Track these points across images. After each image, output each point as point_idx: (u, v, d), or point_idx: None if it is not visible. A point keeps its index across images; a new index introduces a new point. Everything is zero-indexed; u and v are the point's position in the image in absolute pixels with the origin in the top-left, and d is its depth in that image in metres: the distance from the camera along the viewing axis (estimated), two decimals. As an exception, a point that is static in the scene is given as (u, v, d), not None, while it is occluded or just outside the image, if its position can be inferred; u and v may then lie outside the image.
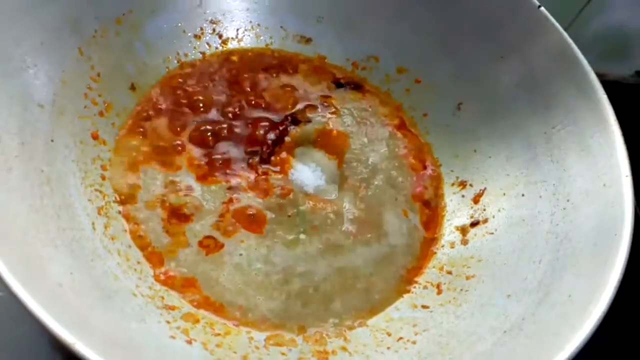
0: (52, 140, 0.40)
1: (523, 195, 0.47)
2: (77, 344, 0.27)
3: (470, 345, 0.39)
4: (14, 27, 0.39)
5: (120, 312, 0.36)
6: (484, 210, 0.49)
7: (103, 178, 0.44)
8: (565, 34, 0.47)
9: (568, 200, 0.44)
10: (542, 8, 0.48)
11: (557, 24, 0.48)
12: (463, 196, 0.51)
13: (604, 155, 0.43)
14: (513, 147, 0.50)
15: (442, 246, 0.49)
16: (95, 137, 0.44)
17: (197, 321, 0.40)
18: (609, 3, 0.95)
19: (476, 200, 0.50)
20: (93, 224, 0.40)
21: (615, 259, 0.37)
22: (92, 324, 0.32)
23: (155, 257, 0.42)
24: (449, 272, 0.46)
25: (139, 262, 0.41)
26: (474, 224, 0.49)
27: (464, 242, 0.48)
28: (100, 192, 0.43)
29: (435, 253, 0.48)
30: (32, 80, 0.40)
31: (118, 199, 0.44)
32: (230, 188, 0.47)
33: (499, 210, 0.48)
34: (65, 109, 0.42)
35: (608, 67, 0.84)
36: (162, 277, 0.41)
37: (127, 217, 0.43)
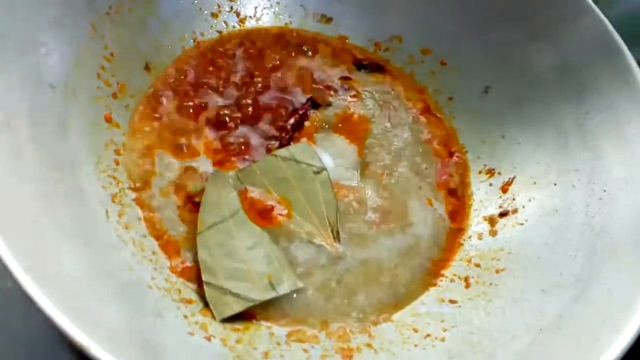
0: (64, 123, 0.38)
1: (555, 184, 0.45)
2: (93, 347, 0.25)
3: (503, 343, 0.37)
4: (25, 2, 0.36)
5: (135, 305, 0.34)
6: (514, 199, 0.47)
7: (117, 163, 0.42)
8: (602, 16, 0.45)
9: (604, 190, 0.42)
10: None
11: (593, 5, 0.45)
12: (491, 185, 0.49)
13: (644, 143, 0.41)
14: (543, 133, 0.47)
15: (469, 237, 0.46)
16: (108, 119, 0.42)
17: (216, 315, 0.38)
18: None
19: (505, 189, 0.48)
20: (107, 211, 0.38)
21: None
22: (107, 321, 0.30)
23: (171, 247, 0.40)
24: (477, 265, 0.44)
25: (154, 253, 0.39)
26: (503, 214, 0.46)
27: (493, 233, 0.46)
28: (114, 178, 0.41)
29: (462, 244, 0.46)
30: (44, 59, 0.38)
31: (132, 185, 0.42)
32: (248, 175, 0.44)
33: (530, 200, 0.46)
34: (78, 90, 0.40)
35: (633, 51, 0.81)
36: (179, 268, 0.39)
37: (142, 205, 0.41)
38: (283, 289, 0.40)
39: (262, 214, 0.42)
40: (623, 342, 0.32)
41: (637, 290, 0.34)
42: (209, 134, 0.46)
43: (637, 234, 0.38)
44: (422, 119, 0.52)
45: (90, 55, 0.42)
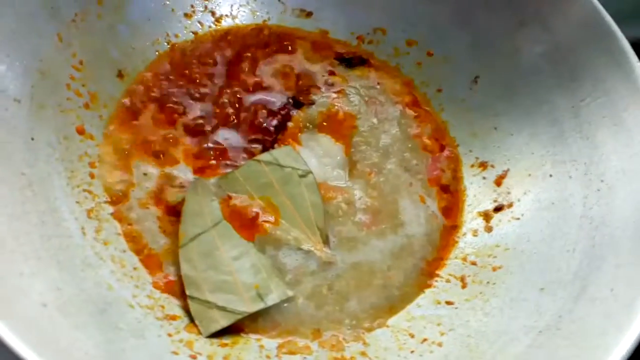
0: (32, 139, 0.37)
1: (551, 175, 0.43)
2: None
3: (502, 347, 0.35)
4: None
5: (115, 329, 0.32)
6: (508, 193, 0.45)
7: (92, 176, 0.40)
8: (593, -2, 0.43)
9: (602, 181, 0.40)
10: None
11: (583, -14, 0.43)
12: (484, 178, 0.47)
13: (641, 129, 0.39)
14: (537, 123, 0.45)
15: (464, 234, 0.45)
16: (81, 131, 0.40)
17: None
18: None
19: (499, 182, 0.46)
20: (82, 228, 0.37)
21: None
22: (82, 349, 0.28)
23: (152, 262, 0.39)
24: (474, 263, 0.43)
25: (135, 268, 0.38)
26: (498, 209, 0.45)
27: (488, 229, 0.44)
28: (90, 192, 0.39)
29: (456, 242, 0.44)
30: (6, 72, 0.36)
31: (109, 199, 0.40)
32: (231, 181, 0.43)
33: (525, 193, 0.44)
34: (46, 102, 0.38)
35: (628, 29, 0.80)
36: (162, 283, 0.38)
37: (120, 218, 0.40)
38: (272, 299, 0.38)
39: (246, 222, 0.41)
40: (628, 342, 0.30)
41: (640, 286, 0.33)
42: (188, 140, 0.44)
43: (637, 226, 0.36)
44: (410, 113, 0.50)
45: (58, 66, 0.40)
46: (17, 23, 0.37)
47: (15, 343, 0.24)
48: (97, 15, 0.43)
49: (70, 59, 0.41)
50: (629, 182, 0.38)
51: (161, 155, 0.43)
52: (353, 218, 0.43)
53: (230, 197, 0.41)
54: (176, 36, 0.49)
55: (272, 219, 0.41)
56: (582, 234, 0.39)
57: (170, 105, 0.45)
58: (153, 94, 0.45)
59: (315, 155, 0.46)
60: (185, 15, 0.49)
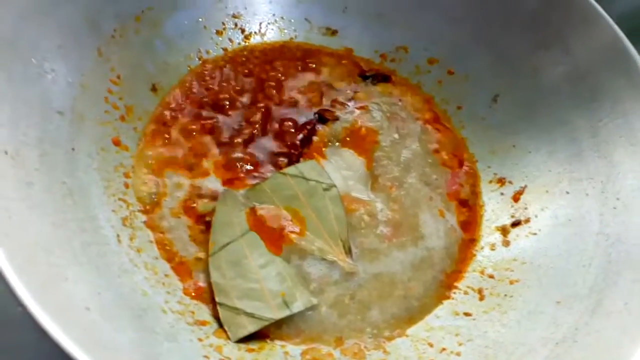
0: (73, 149, 0.38)
1: (568, 193, 0.45)
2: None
3: (520, 357, 0.36)
4: (30, 31, 0.37)
5: (152, 332, 0.34)
6: (526, 209, 0.46)
7: (126, 186, 0.42)
8: (612, 22, 0.44)
9: (618, 199, 0.41)
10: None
11: (603, 12, 0.45)
12: (502, 194, 0.48)
13: (657, 149, 0.40)
14: (555, 142, 0.47)
15: (482, 248, 0.46)
16: (117, 143, 0.42)
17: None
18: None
19: (516, 198, 0.47)
20: (118, 236, 0.38)
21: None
22: (123, 350, 0.30)
23: (183, 269, 0.40)
24: (491, 276, 0.44)
25: (166, 275, 0.39)
26: (515, 224, 0.46)
27: (506, 243, 0.45)
28: (124, 201, 0.41)
29: (474, 255, 0.46)
30: (51, 86, 0.38)
31: (142, 208, 0.42)
32: (258, 192, 0.44)
33: (542, 210, 0.45)
34: (86, 115, 0.40)
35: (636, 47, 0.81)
36: (192, 290, 0.39)
37: (152, 227, 0.41)
38: (297, 306, 0.39)
39: (274, 233, 0.42)
40: (642, 356, 0.32)
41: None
42: (217, 152, 0.46)
43: (652, 244, 0.37)
44: (431, 129, 0.52)
45: (97, 79, 0.42)
46: (62, 38, 0.39)
47: (67, 344, 0.26)
48: (135, 31, 0.45)
49: (108, 73, 0.43)
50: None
51: (192, 167, 0.44)
52: (375, 230, 0.45)
53: (256, 208, 0.43)
54: (207, 52, 0.51)
55: (297, 229, 0.42)
56: (599, 250, 0.40)
57: (201, 119, 0.47)
58: (184, 108, 0.47)
59: (339, 169, 0.47)
60: (217, 32, 0.51)
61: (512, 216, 0.47)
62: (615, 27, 0.44)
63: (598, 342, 0.35)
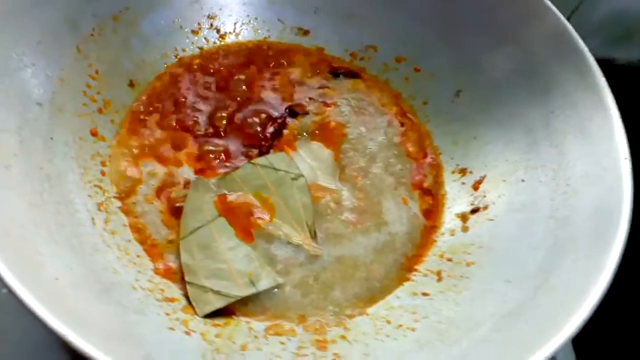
0: (51, 138, 0.41)
1: (523, 180, 0.47)
2: (71, 335, 0.27)
3: (468, 330, 0.39)
4: (11, 27, 0.39)
5: (119, 305, 0.36)
6: (484, 196, 0.49)
7: (103, 174, 0.44)
8: (562, 18, 0.47)
9: (568, 185, 0.44)
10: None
11: (553, 8, 0.47)
12: (463, 183, 0.51)
13: (603, 138, 0.42)
14: (512, 133, 0.49)
15: (443, 234, 0.48)
16: (94, 133, 0.45)
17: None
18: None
19: (476, 187, 0.50)
20: (93, 219, 0.41)
21: (614, 242, 0.37)
22: (89, 316, 0.32)
23: (154, 251, 0.43)
24: (449, 260, 0.46)
25: (138, 256, 0.42)
26: (474, 211, 0.48)
27: (464, 229, 0.48)
28: (100, 187, 0.43)
29: (435, 241, 0.48)
30: (31, 79, 0.41)
31: (117, 194, 0.44)
32: (228, 181, 0.47)
33: (499, 197, 0.48)
34: (64, 106, 0.43)
35: (616, 51, 0.83)
36: (162, 269, 0.42)
37: (127, 212, 0.44)
38: (263, 285, 0.42)
39: (243, 218, 0.45)
40: (574, 324, 0.34)
41: (592, 277, 0.36)
42: (191, 143, 0.48)
43: (595, 226, 0.40)
44: (397, 122, 0.54)
45: (76, 74, 0.45)
46: (42, 35, 0.42)
47: (35, 306, 0.28)
48: (112, 30, 0.48)
49: (87, 69, 0.46)
50: (590, 185, 0.42)
51: (166, 158, 0.47)
52: (340, 216, 0.47)
53: (226, 195, 0.45)
54: (183, 50, 0.53)
55: (266, 216, 0.45)
56: (548, 232, 0.42)
57: (176, 112, 0.50)
58: (160, 102, 0.50)
59: (308, 160, 0.50)
60: (193, 31, 0.54)
61: (472, 204, 0.49)
62: (563, 19, 0.46)
63: (540, 315, 0.37)
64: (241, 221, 0.45)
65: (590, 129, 0.44)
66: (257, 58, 0.55)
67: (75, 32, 0.45)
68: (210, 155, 0.48)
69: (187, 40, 0.54)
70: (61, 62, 0.44)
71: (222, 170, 0.48)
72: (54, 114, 0.42)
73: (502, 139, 0.50)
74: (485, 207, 0.48)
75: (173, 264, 0.42)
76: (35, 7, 0.41)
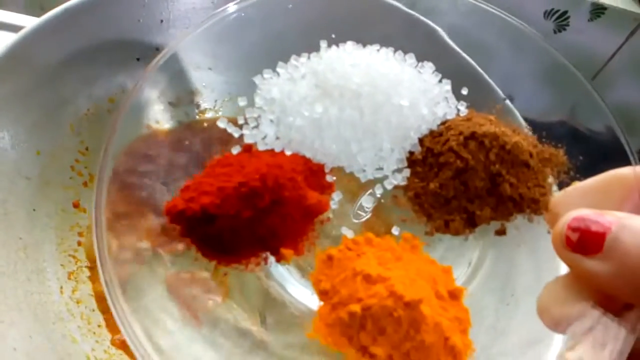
0: (34, 210, 0.45)
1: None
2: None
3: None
4: (10, 109, 0.44)
5: (70, 376, 0.39)
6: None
7: (79, 244, 0.48)
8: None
9: (512, 295, 0.46)
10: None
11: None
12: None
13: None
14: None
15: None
16: (76, 205, 0.49)
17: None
18: (611, 82, 0.98)
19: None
20: (61, 287, 0.44)
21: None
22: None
23: (115, 322, 0.46)
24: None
25: (99, 326, 0.45)
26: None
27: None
28: (74, 257, 0.47)
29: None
30: (23, 155, 0.45)
31: (89, 264, 0.48)
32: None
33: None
34: (51, 180, 0.47)
35: (630, 138, 0.87)
36: (119, 341, 0.45)
37: (94, 281, 0.47)
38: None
39: (191, 297, 0.47)
40: None
41: None
42: (153, 218, 0.51)
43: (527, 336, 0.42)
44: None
45: (67, 151, 0.48)
46: (39, 116, 0.46)
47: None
48: (107, 110, 0.52)
49: (78, 145, 0.49)
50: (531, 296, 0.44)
51: (137, 229, 0.50)
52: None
53: (181, 273, 0.49)
54: (157, 122, 0.55)
55: (218, 297, 0.48)
56: (487, 340, 0.45)
57: (137, 188, 0.52)
58: (125, 176, 0.52)
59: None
60: (170, 104, 0.56)
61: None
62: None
63: None
64: (189, 301, 0.47)
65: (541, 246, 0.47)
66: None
67: (70, 111, 0.49)
68: (172, 232, 0.51)
69: (168, 115, 0.55)
70: (54, 140, 0.47)
71: (181, 248, 0.50)
72: (40, 187, 0.46)
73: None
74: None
75: (129, 337, 0.45)
76: (36, 89, 0.46)
